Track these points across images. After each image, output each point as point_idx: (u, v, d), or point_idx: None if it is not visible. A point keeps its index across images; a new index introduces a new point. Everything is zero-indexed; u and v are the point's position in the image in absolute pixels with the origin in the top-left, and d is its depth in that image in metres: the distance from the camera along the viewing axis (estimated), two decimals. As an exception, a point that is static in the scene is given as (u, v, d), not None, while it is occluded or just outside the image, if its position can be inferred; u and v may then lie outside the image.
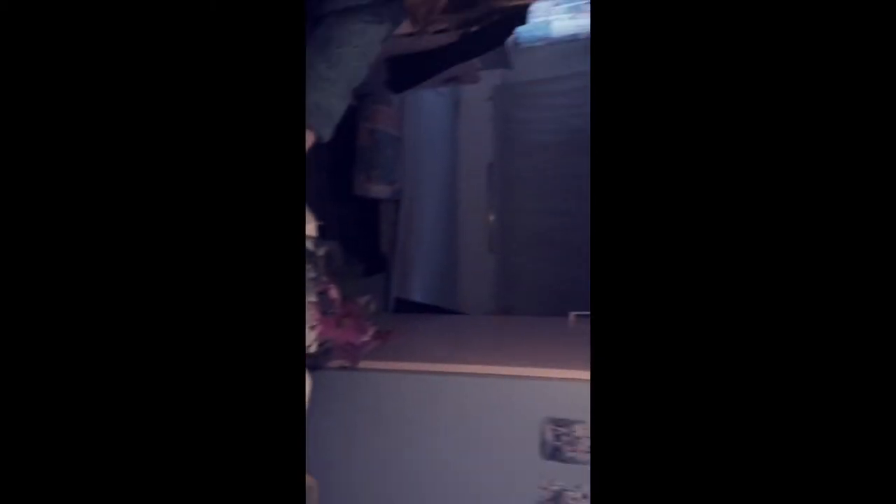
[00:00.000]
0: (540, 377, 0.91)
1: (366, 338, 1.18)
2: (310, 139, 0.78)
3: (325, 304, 1.11)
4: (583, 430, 0.89)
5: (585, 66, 3.02)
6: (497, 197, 3.09)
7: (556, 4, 2.63)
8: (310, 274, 1.07)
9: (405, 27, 0.82)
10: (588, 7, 2.65)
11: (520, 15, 1.12)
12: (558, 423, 0.89)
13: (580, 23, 2.80)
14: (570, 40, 2.96)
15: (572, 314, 1.34)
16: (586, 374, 0.90)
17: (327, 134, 0.79)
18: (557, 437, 0.88)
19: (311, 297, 1.05)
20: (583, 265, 1.56)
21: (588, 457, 0.88)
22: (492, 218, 3.03)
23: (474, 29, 1.05)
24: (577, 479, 0.91)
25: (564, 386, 0.89)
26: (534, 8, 1.16)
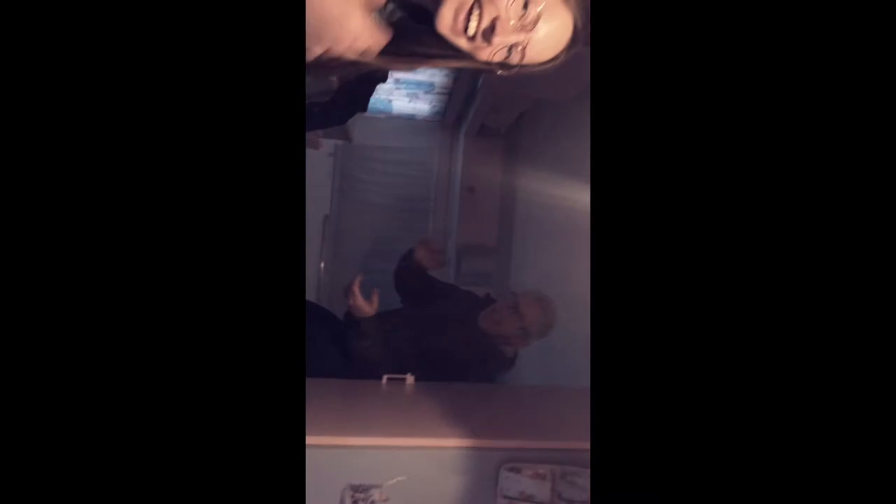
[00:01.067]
0: (341, 445, 0.96)
1: None
2: None
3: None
4: (379, 495, 0.95)
5: (421, 143, 3.41)
6: (329, 247, 3.24)
7: (397, 88, 2.97)
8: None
9: None
10: (426, 94, 3.05)
11: (365, 95, 1.28)
12: (357, 489, 0.95)
13: (417, 105, 3.20)
14: (408, 118, 3.35)
15: (385, 377, 1.32)
16: (385, 441, 0.99)
17: None
18: (355, 502, 0.95)
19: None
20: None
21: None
22: (322, 265, 3.15)
23: (324, 100, 1.20)
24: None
25: (364, 453, 0.96)
26: (377, 87, 1.33)
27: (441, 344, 1.47)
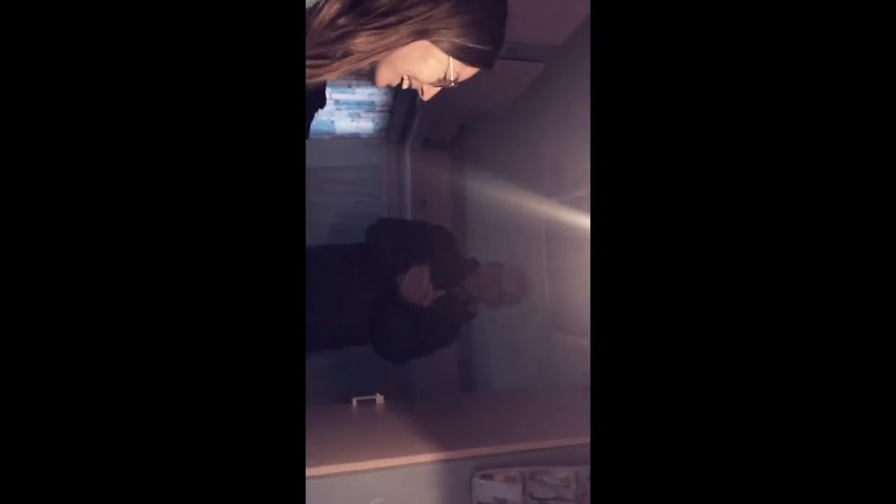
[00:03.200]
0: (313, 476, 0.95)
1: None
2: None
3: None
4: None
5: (368, 160, 3.44)
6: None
7: (338, 108, 2.99)
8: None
9: None
10: (368, 113, 3.08)
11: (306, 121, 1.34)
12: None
13: (360, 124, 3.22)
14: (353, 137, 3.37)
15: (355, 399, 1.35)
16: (359, 465, 1.00)
17: None
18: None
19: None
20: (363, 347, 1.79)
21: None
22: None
23: None
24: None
25: (337, 480, 0.95)
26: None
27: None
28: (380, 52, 0.63)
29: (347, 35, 0.62)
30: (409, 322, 1.60)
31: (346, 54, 0.63)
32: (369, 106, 2.94)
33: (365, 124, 3.20)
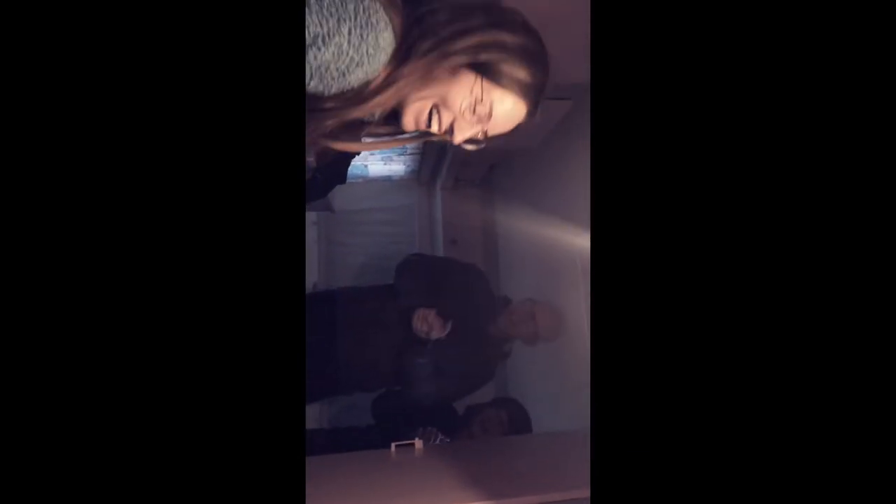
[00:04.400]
0: None
1: None
2: None
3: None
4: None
5: (399, 202, 3.49)
6: (320, 314, 3.24)
7: (371, 153, 3.07)
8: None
9: None
10: (399, 156, 3.15)
11: (343, 168, 1.37)
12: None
13: (392, 167, 3.29)
14: (385, 180, 3.44)
15: (393, 445, 1.31)
16: None
17: None
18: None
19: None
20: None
21: None
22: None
23: (306, 178, 1.26)
24: None
25: None
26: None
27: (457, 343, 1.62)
28: (426, 88, 0.63)
29: (394, 82, 0.62)
30: (429, 358, 1.58)
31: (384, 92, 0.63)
32: (402, 149, 3.00)
33: (397, 167, 3.27)
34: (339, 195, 2.95)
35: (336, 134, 0.70)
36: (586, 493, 1.01)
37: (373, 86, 0.63)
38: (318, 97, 0.63)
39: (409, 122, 0.67)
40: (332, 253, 3.41)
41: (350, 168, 1.45)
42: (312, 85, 0.61)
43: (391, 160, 3.17)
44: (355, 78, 0.62)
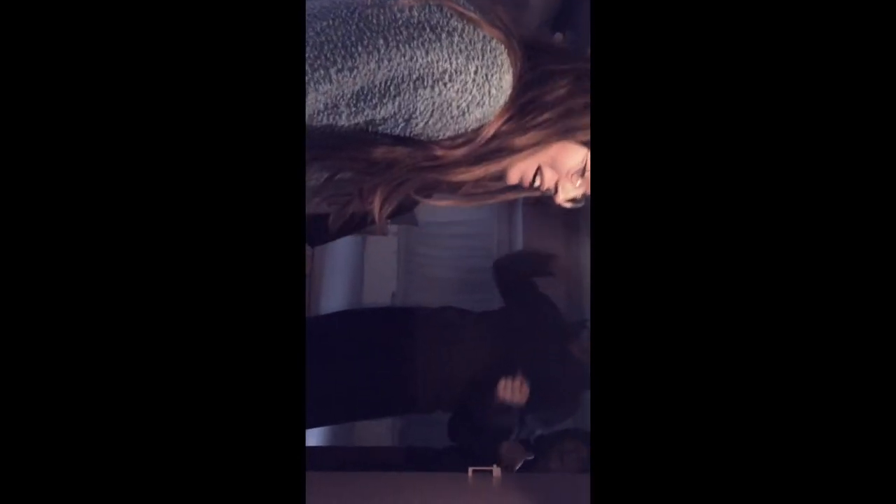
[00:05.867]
0: None
1: None
2: None
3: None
4: None
5: (479, 215, 3.49)
6: (399, 324, 3.31)
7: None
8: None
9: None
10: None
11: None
12: None
13: (473, 180, 3.30)
14: (466, 193, 3.45)
15: (470, 469, 1.27)
16: None
17: None
18: None
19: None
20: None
21: None
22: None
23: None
24: None
25: None
26: None
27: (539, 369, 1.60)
28: (530, 148, 0.63)
29: (511, 141, 0.63)
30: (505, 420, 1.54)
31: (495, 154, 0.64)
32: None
33: (477, 180, 3.27)
34: (420, 208, 3.00)
35: (434, 188, 0.72)
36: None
37: (485, 140, 0.63)
38: (426, 142, 0.64)
39: (513, 178, 0.68)
40: (411, 264, 3.47)
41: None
42: (431, 123, 0.62)
43: (472, 174, 3.18)
44: (473, 118, 0.62)
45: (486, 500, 1.24)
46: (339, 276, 3.14)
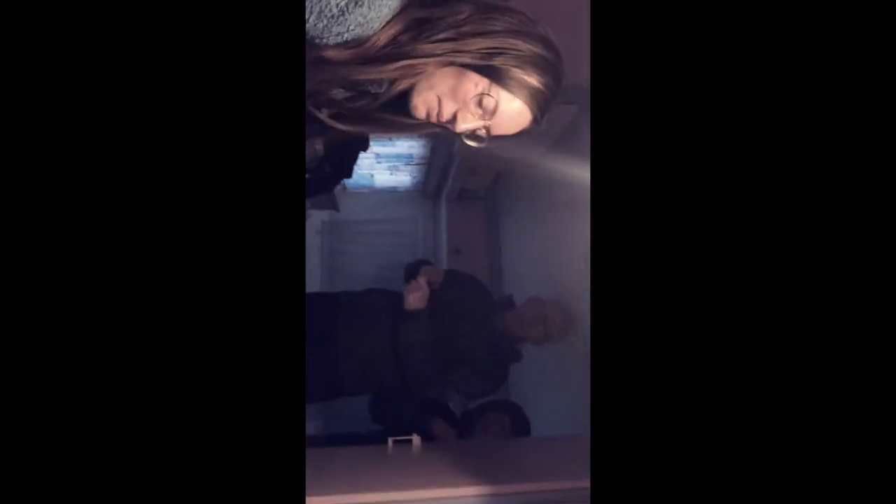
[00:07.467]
0: None
1: None
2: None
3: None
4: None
5: (404, 212, 3.53)
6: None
7: (378, 162, 3.11)
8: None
9: None
10: (406, 166, 3.19)
11: (350, 162, 1.39)
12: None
13: (399, 178, 3.33)
14: (391, 191, 3.48)
15: (390, 440, 1.31)
16: (396, 496, 0.96)
17: None
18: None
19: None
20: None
21: None
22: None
23: (312, 167, 1.16)
24: None
25: None
26: (359, 163, 1.43)
27: (466, 343, 1.63)
28: (434, 79, 0.64)
29: (403, 56, 0.63)
30: (425, 335, 1.57)
31: (397, 62, 0.64)
32: (408, 159, 3.04)
33: (403, 177, 3.31)
34: (344, 203, 2.98)
35: (345, 116, 0.72)
36: (585, 483, 1.00)
37: (377, 46, 0.64)
38: (319, 45, 0.64)
39: (421, 112, 0.69)
40: (335, 262, 3.43)
41: (356, 178, 1.46)
42: (311, 22, 0.62)
43: (397, 170, 3.21)
44: (353, 21, 0.62)
45: (406, 469, 1.25)
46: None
